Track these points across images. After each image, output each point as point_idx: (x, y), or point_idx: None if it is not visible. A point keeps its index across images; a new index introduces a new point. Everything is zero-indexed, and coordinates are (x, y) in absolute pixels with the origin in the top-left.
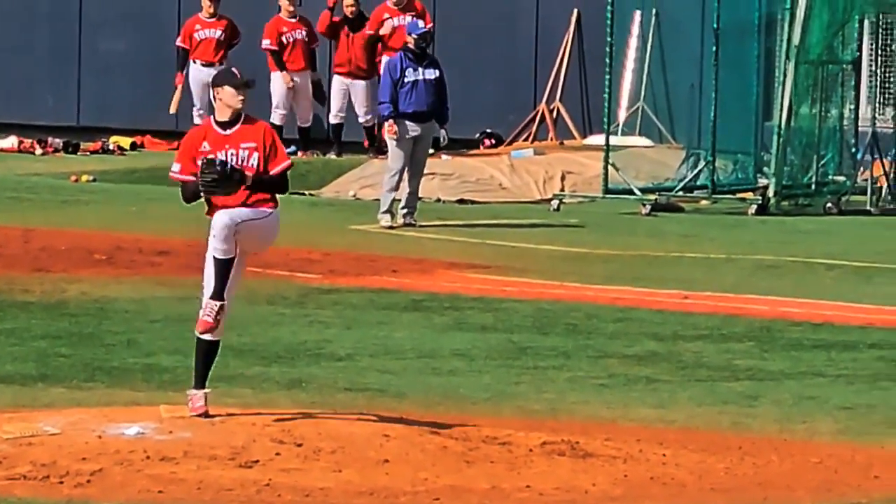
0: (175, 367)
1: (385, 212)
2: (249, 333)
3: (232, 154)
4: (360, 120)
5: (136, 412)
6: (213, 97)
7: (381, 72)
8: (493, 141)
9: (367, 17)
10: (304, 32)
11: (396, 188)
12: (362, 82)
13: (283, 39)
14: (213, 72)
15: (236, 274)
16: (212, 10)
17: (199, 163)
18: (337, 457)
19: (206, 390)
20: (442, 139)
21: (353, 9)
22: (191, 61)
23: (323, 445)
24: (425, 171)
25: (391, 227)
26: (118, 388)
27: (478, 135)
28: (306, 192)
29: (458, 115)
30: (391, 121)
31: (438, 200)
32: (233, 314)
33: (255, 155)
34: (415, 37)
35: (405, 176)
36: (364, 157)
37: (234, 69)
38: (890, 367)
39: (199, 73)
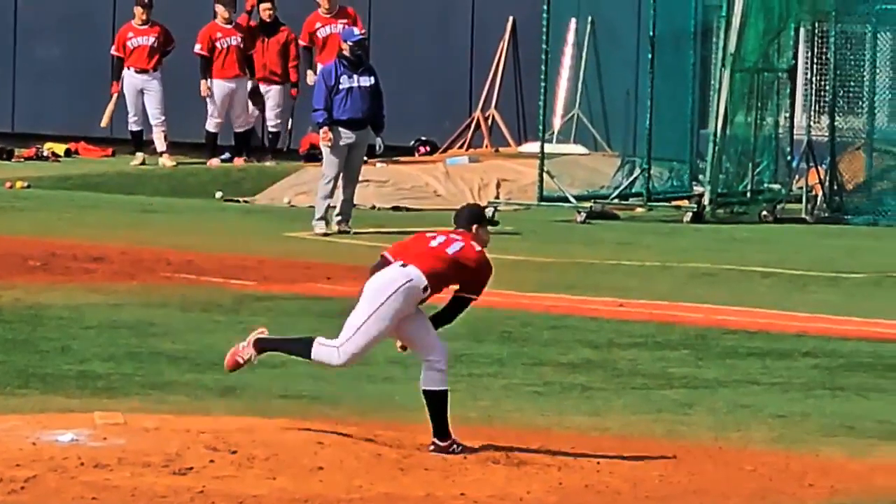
0: (109, 374)
1: (319, 219)
2: (183, 340)
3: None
4: (269, 126)
5: (70, 419)
6: (475, 231)
7: (316, 78)
8: (429, 148)
9: (281, 22)
10: (238, 38)
11: (331, 195)
12: (276, 87)
13: (217, 45)
14: (147, 78)
15: None
16: (144, 18)
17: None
18: (271, 464)
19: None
20: (378, 147)
21: (270, 13)
22: (125, 69)
23: (257, 453)
24: (360, 179)
25: (325, 235)
26: (52, 395)
27: (413, 142)
28: (241, 199)
29: (393, 123)
30: (325, 128)
31: (373, 207)
32: (166, 321)
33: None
34: (350, 44)
35: (340, 183)
36: (299, 164)
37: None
38: (824, 376)
39: (133, 80)
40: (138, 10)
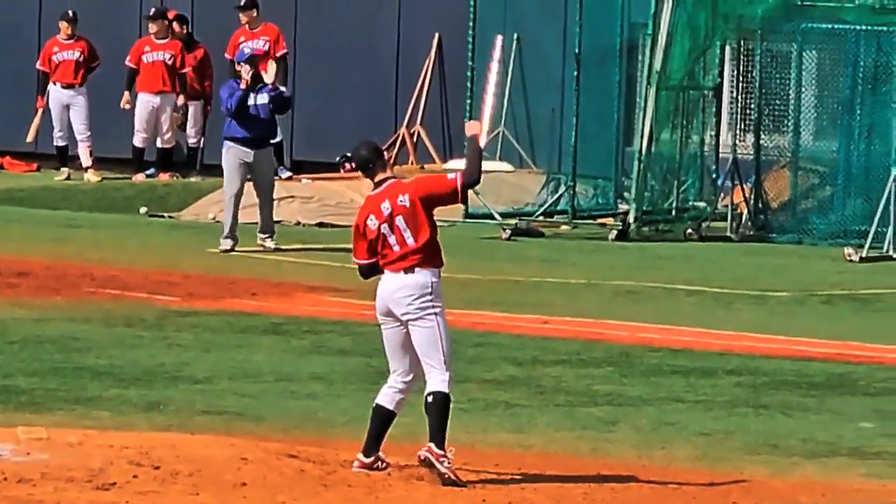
0: (33, 389)
1: (225, 237)
2: (107, 356)
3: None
4: (190, 142)
5: None
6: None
7: (221, 89)
8: (354, 164)
9: (196, 39)
10: (167, 55)
11: (234, 213)
12: (195, 103)
13: (144, 59)
14: (72, 94)
15: None
16: (69, 32)
17: None
18: (195, 479)
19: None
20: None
21: (182, 30)
22: (51, 83)
23: (181, 468)
24: (285, 194)
25: (228, 251)
26: None
27: (338, 158)
28: (166, 215)
29: (319, 139)
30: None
31: (298, 223)
32: (90, 337)
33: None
34: (242, 63)
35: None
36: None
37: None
38: (748, 394)
39: (58, 95)
40: (63, 24)
